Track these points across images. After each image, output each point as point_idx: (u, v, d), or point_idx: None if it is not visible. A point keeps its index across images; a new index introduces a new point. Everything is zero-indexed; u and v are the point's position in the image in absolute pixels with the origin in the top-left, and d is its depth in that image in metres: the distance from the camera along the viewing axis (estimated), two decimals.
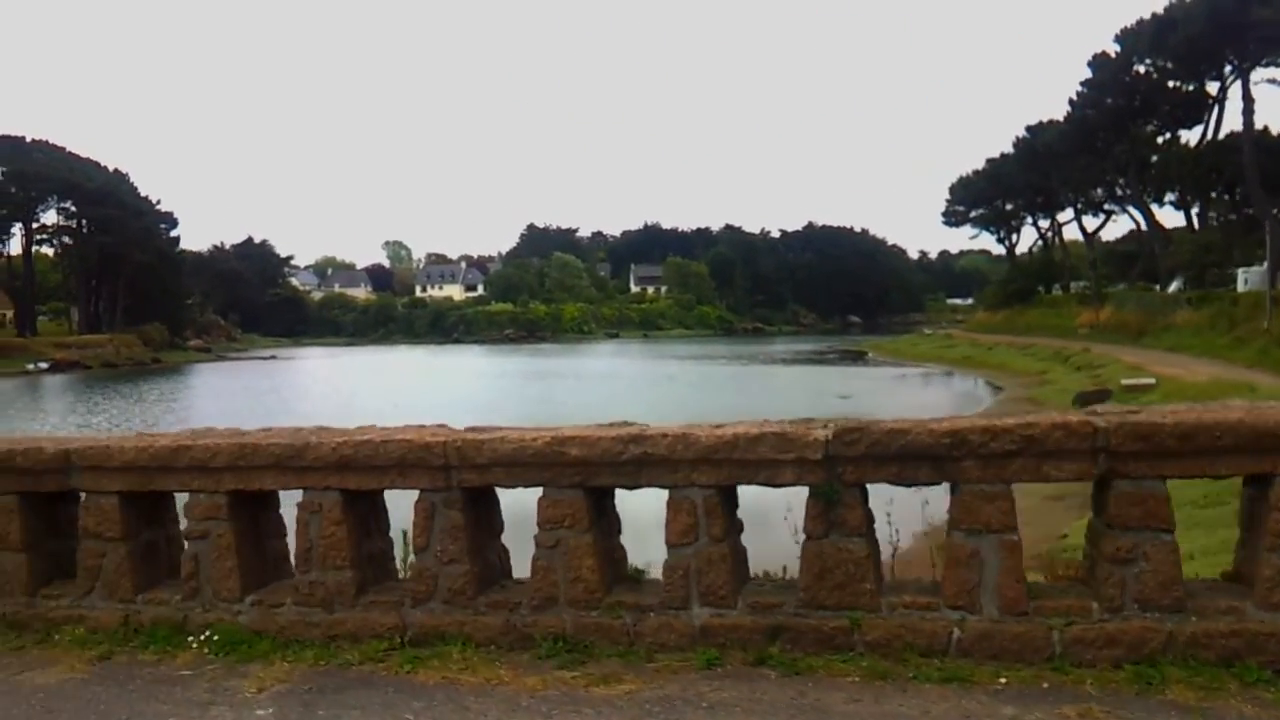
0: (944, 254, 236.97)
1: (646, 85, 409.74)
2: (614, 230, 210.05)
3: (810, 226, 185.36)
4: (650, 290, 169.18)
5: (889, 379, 55.82)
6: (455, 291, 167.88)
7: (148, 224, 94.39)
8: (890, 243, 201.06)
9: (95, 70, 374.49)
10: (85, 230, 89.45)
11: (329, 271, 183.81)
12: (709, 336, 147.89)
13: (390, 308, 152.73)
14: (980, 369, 60.35)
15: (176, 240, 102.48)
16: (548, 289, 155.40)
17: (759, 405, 39.60)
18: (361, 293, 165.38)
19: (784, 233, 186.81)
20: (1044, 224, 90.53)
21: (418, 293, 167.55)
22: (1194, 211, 69.21)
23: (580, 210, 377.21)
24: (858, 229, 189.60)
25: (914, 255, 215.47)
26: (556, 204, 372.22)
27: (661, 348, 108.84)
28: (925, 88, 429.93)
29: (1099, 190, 75.16)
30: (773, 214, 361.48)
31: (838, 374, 61.48)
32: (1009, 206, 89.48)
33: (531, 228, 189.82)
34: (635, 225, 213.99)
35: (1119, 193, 73.79)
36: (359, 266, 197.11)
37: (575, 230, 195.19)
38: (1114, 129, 65.53)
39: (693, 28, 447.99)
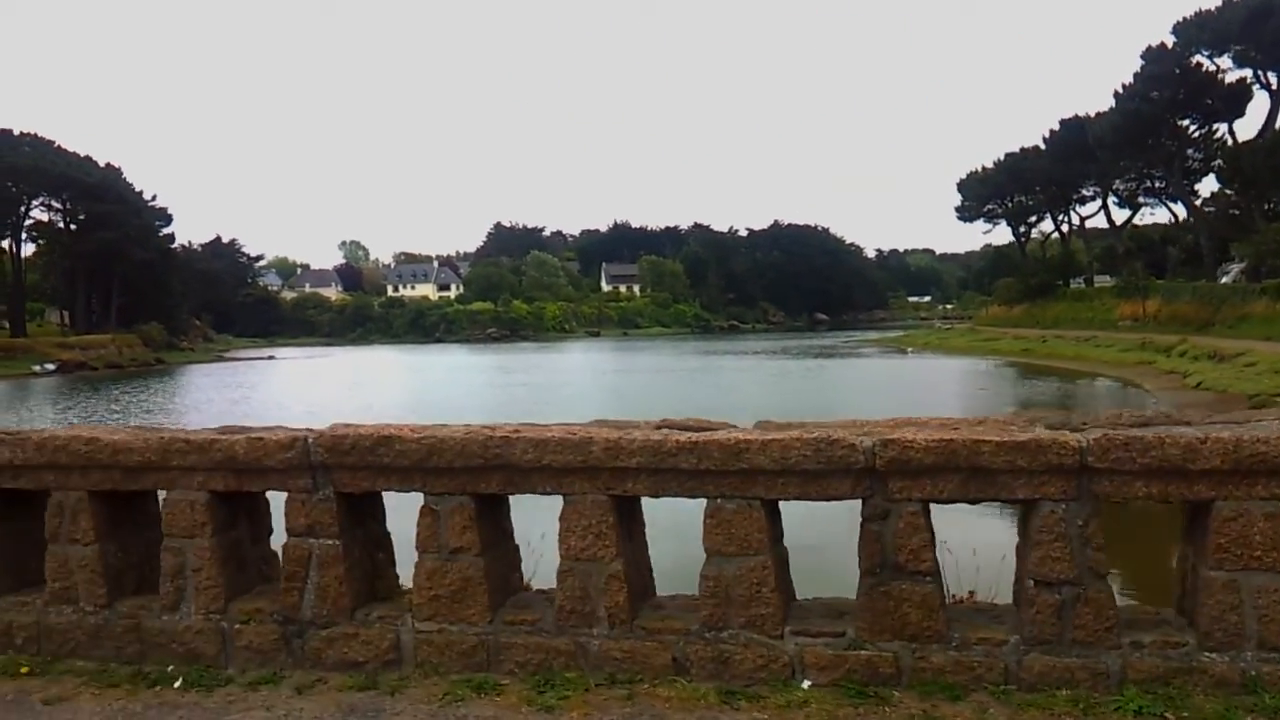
0: (893, 252, 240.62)
1: (606, 83, 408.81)
2: (573, 229, 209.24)
3: (776, 225, 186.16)
4: (624, 289, 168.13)
5: (977, 374, 54.83)
6: (429, 290, 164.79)
7: (146, 220, 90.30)
8: (848, 241, 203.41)
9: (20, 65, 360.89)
10: (83, 227, 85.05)
11: (297, 271, 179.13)
12: (687, 334, 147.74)
13: (367, 307, 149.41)
14: (1050, 360, 59.95)
15: (172, 237, 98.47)
16: (525, 288, 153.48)
17: (918, 400, 38.97)
18: (332, 292, 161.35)
19: (751, 231, 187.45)
20: (1059, 217, 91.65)
21: (389, 292, 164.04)
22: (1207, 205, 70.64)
23: (540, 208, 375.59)
24: (817, 227, 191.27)
25: (870, 254, 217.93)
26: (515, 202, 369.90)
27: (670, 345, 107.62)
28: (874, 89, 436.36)
29: (1136, 183, 76.29)
30: (730, 212, 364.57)
31: (914, 367, 60.81)
32: (1029, 200, 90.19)
33: (499, 226, 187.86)
34: (592, 224, 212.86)
35: (1154, 184, 75.01)
36: (314, 267, 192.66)
37: (542, 229, 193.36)
38: (1168, 120, 66.64)
39: (649, 31, 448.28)
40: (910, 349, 78.82)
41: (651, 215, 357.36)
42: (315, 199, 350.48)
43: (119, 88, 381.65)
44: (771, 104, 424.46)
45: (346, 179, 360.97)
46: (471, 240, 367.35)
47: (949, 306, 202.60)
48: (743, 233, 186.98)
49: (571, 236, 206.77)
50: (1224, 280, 65.90)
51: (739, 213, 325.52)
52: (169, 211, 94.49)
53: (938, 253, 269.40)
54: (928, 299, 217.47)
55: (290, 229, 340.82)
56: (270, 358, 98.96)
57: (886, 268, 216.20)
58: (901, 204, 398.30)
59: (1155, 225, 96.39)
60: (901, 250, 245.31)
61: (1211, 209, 69.68)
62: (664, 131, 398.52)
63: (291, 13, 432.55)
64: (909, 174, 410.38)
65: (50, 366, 76.42)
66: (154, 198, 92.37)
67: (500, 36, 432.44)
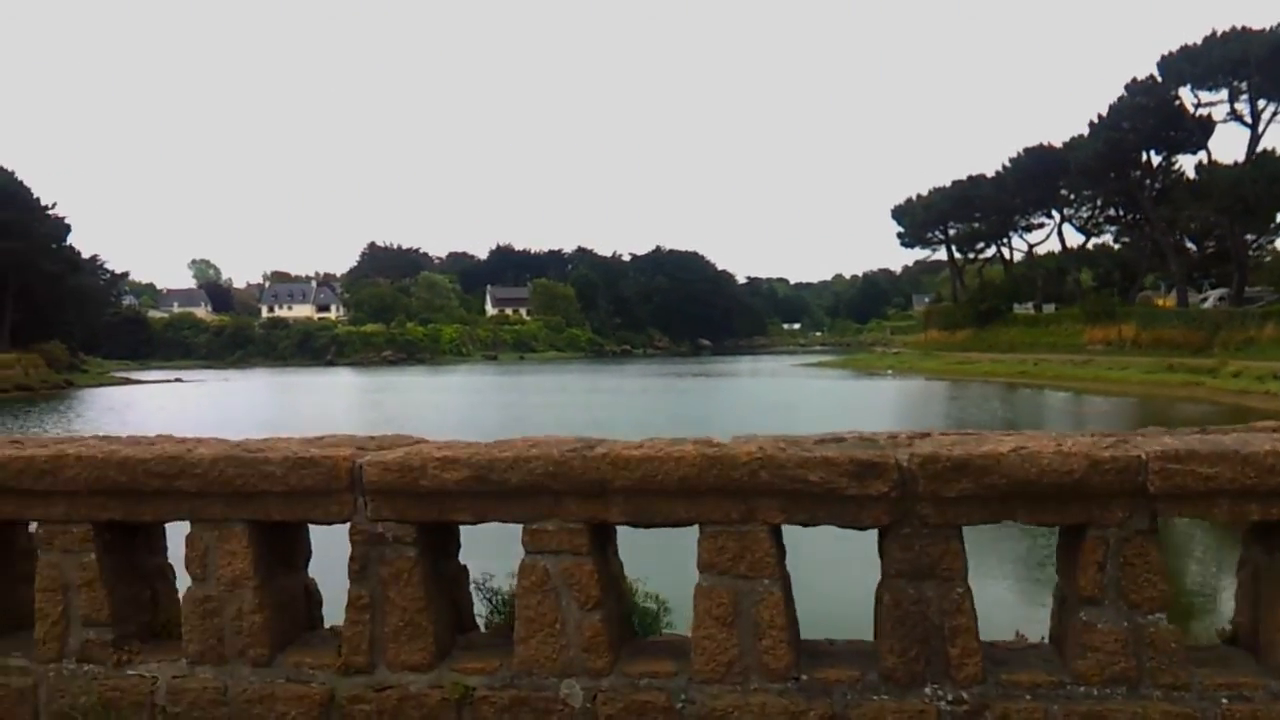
0: (759, 280, 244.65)
1: (473, 105, 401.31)
2: (441, 252, 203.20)
3: (659, 251, 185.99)
4: (510, 311, 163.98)
5: (1024, 399, 54.00)
6: (307, 311, 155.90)
7: (49, 230, 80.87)
8: (720, 268, 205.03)
9: None
10: None
11: (165, 290, 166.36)
12: (583, 358, 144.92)
13: (247, 328, 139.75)
14: (1062, 382, 60.21)
15: (73, 248, 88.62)
16: (416, 309, 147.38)
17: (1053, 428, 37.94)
18: (202, 313, 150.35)
19: (634, 256, 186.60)
20: (1002, 244, 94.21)
21: (265, 313, 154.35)
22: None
23: (408, 229, 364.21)
24: (696, 253, 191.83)
25: (740, 281, 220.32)
26: (382, 222, 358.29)
27: (595, 369, 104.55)
28: (731, 118, 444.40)
29: (1098, 209, 79.19)
30: (603, 236, 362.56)
31: (942, 391, 60.03)
32: (975, 227, 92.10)
33: (374, 247, 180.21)
34: (461, 246, 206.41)
35: (1118, 212, 77.95)
36: (159, 285, 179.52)
37: (417, 250, 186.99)
38: (1146, 149, 69.50)
39: (518, 57, 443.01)
40: (890, 370, 78.60)
41: (526, 238, 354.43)
42: (154, 215, 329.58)
43: None
44: (636, 126, 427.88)
45: (190, 195, 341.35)
46: (336, 261, 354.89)
47: (819, 334, 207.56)
48: (626, 257, 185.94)
49: (439, 259, 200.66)
50: (1204, 305, 68.13)
51: (610, 238, 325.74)
52: (68, 221, 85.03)
53: (791, 282, 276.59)
54: (798, 326, 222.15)
55: (128, 246, 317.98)
56: (177, 380, 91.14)
57: (758, 294, 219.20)
58: (756, 233, 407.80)
59: (1050, 255, 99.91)
60: (764, 279, 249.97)
61: (1181, 238, 72.67)
62: (538, 153, 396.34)
63: (128, 10, 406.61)
64: (763, 204, 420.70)
65: None
66: (53, 205, 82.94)
67: (364, 55, 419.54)
